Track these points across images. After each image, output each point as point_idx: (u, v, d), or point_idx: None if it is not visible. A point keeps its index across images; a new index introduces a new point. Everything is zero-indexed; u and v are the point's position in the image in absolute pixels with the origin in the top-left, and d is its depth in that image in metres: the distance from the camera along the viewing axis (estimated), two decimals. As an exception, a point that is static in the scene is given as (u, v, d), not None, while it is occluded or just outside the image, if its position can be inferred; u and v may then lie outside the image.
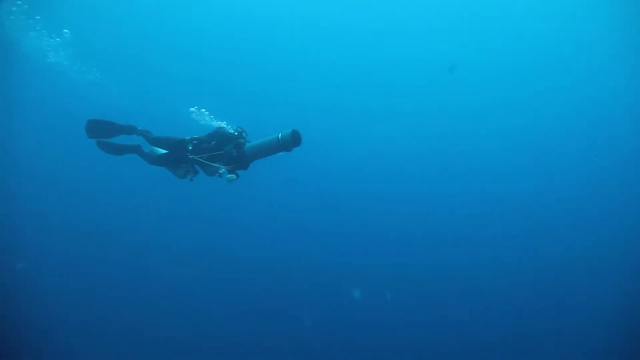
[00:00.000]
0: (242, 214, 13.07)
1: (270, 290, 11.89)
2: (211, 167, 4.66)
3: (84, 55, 9.55)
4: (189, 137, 4.85)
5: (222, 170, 4.57)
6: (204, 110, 6.44)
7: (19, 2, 8.12)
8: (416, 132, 15.62)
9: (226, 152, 4.59)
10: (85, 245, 11.52)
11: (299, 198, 14.03)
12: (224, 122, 6.15)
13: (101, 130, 5.06)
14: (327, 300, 11.73)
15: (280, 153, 4.49)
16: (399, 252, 13.12)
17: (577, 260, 12.58)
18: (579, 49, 14.92)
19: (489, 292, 12.14)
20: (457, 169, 14.99)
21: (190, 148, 4.74)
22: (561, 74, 15.44)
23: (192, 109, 6.54)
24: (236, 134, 4.73)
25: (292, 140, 4.29)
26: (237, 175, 4.54)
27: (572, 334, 11.05)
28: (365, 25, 16.12)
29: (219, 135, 4.80)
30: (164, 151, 5.08)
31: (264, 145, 4.42)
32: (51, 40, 8.88)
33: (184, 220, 12.77)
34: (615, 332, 10.55)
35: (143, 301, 10.87)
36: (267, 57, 15.92)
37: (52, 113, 12.67)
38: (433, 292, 12.22)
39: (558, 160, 14.94)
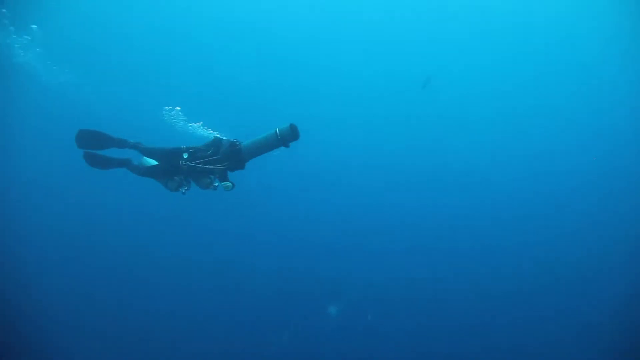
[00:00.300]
0: (231, 220, 12.63)
1: (250, 302, 11.51)
2: (205, 180, 4.59)
3: (56, 54, 9.13)
4: (184, 146, 4.72)
5: (217, 183, 4.54)
6: (178, 108, 6.15)
7: (-17, -5, 7.66)
8: (400, 141, 15.55)
9: (222, 153, 4.53)
10: (79, 249, 11.33)
11: (280, 205, 13.70)
12: (200, 123, 5.89)
13: (92, 141, 4.81)
14: (307, 314, 11.33)
15: (276, 152, 4.42)
16: (384, 263, 12.85)
17: (572, 265, 12.45)
18: (573, 50, 15.21)
19: (480, 302, 11.93)
20: (451, 173, 14.85)
21: (185, 157, 4.61)
22: (558, 75, 15.58)
23: (166, 108, 6.26)
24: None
25: (291, 134, 4.24)
26: (233, 184, 4.52)
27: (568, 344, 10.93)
28: (346, 24, 16.16)
29: (216, 145, 4.72)
30: (154, 162, 4.88)
31: (261, 141, 4.37)
32: (19, 37, 8.41)
33: (173, 226, 12.46)
34: (617, 335, 10.42)
35: (136, 304, 10.79)
36: (242, 59, 15.62)
37: (21, 117, 12.07)
38: (424, 302, 11.95)
39: (557, 161, 14.86)
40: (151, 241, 12.11)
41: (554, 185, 14.51)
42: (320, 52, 16.48)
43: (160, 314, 10.70)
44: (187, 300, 11.22)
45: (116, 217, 12.23)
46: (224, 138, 4.85)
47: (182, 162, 4.55)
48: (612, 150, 14.35)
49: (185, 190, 4.66)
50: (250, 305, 11.43)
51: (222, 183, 4.51)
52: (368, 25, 16.04)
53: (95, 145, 4.80)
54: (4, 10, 7.90)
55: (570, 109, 15.34)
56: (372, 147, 15.29)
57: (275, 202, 13.48)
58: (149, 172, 4.79)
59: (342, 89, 16.13)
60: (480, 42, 15.95)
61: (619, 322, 10.66)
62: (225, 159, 4.48)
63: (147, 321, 10.44)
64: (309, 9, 15.94)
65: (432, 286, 12.27)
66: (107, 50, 13.32)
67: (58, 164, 11.51)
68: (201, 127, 5.92)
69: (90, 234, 11.62)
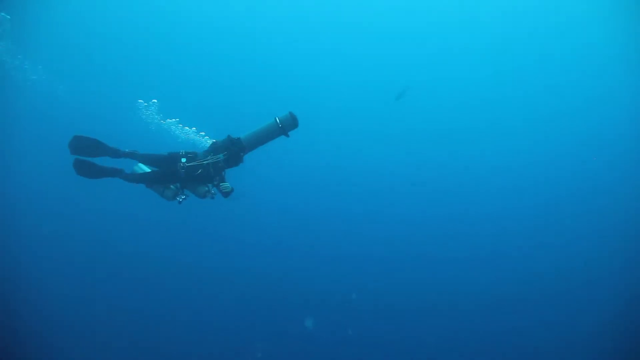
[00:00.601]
0: (223, 225, 12.40)
1: (241, 306, 11.28)
2: (203, 188, 4.48)
3: (27, 49, 8.68)
4: (183, 151, 4.60)
5: (214, 190, 4.47)
6: (154, 101, 5.89)
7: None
8: (383, 149, 15.52)
9: (221, 145, 4.49)
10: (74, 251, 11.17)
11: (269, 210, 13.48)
12: (176, 120, 5.66)
13: (85, 148, 4.58)
14: (282, 328, 11.02)
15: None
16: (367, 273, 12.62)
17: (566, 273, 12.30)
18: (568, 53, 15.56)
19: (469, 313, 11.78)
20: (443, 178, 14.85)
21: (184, 160, 4.47)
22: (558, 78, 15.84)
23: (141, 102, 5.97)
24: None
25: (292, 122, 4.30)
26: (232, 188, 4.49)
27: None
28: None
29: (214, 148, 4.62)
30: (148, 169, 4.69)
31: (262, 131, 4.39)
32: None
33: (166, 230, 12.14)
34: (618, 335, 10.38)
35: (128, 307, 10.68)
36: (213, 55, 15.48)
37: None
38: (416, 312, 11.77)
39: (556, 163, 14.92)
40: (145, 244, 11.87)
41: (553, 186, 14.58)
42: (302, 53, 16.52)
43: (153, 316, 10.57)
44: (179, 303, 11.06)
45: (106, 219, 11.97)
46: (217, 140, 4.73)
47: (180, 165, 4.39)
48: (611, 150, 14.51)
49: (182, 199, 4.49)
50: (240, 309, 11.20)
51: (221, 184, 4.42)
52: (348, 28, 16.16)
53: (88, 152, 4.59)
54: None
55: (566, 111, 15.59)
56: (353, 156, 15.22)
57: (264, 207, 13.27)
58: (144, 178, 4.56)
59: (324, 91, 16.16)
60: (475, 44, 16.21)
61: (620, 324, 10.66)
62: (225, 149, 4.41)
63: (140, 323, 10.34)
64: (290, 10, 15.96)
65: (417, 296, 12.04)
66: (81, 44, 12.78)
67: (33, 161, 11.41)
68: (178, 124, 5.67)
69: (76, 236, 11.39)
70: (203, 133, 5.14)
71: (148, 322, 10.39)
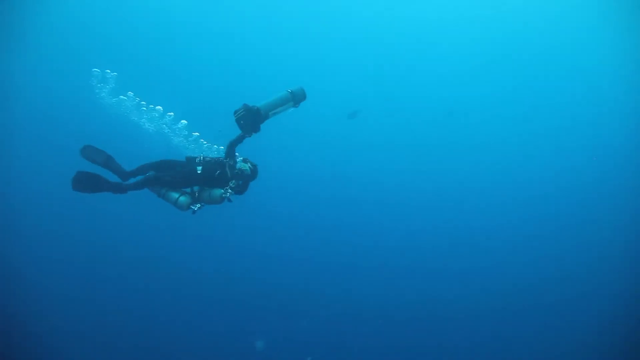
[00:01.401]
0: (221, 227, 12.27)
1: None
2: (218, 191, 4.42)
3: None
4: (201, 156, 4.61)
5: (229, 192, 4.41)
6: (114, 73, 5.49)
7: None
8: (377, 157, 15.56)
9: (238, 113, 4.34)
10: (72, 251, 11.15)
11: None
12: (137, 100, 5.41)
13: (95, 155, 4.59)
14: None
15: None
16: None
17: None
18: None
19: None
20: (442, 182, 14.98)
21: (200, 160, 4.54)
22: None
23: (96, 70, 5.55)
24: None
25: (302, 93, 4.46)
26: (249, 176, 4.50)
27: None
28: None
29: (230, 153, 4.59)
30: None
31: (276, 100, 4.47)
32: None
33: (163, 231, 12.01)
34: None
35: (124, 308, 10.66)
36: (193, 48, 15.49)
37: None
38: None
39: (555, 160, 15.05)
40: (144, 246, 11.86)
41: (552, 187, 14.55)
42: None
43: (151, 317, 10.63)
44: (177, 303, 11.13)
45: (106, 220, 11.86)
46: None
47: (197, 162, 4.44)
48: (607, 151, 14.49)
49: (198, 208, 4.40)
50: (238, 310, 11.29)
51: (241, 165, 4.45)
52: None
53: (98, 161, 4.56)
54: None
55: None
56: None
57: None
58: (156, 181, 4.41)
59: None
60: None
61: (620, 324, 10.70)
62: (242, 111, 4.31)
63: (140, 324, 10.39)
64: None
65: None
66: (49, 34, 12.36)
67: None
68: (135, 100, 5.33)
69: (76, 237, 11.40)
70: (216, 146, 5.00)
71: (147, 323, 10.44)
